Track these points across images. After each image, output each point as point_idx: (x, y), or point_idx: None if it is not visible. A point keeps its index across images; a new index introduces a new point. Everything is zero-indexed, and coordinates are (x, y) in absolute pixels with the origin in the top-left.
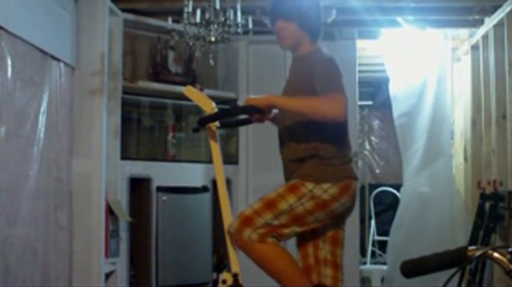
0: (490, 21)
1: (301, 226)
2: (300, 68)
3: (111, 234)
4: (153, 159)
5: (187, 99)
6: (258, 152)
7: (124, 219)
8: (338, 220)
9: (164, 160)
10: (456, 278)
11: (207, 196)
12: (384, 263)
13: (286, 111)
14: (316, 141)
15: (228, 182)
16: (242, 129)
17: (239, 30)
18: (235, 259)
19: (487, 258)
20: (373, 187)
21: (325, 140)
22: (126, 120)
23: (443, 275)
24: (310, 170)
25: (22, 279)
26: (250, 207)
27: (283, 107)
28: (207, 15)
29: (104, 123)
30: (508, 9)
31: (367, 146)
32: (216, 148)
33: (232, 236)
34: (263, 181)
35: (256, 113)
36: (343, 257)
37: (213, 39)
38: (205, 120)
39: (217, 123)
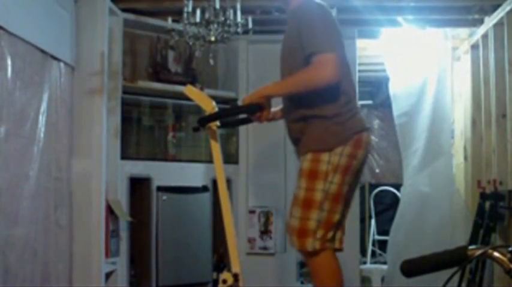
0: (490, 21)
1: (342, 200)
2: (291, 23)
3: (111, 234)
4: (153, 159)
5: (187, 98)
6: (258, 151)
7: (124, 219)
8: (356, 176)
9: (164, 159)
10: (456, 278)
11: (207, 196)
12: (384, 263)
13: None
14: (317, 100)
15: (228, 181)
16: (242, 129)
17: (239, 29)
18: (236, 259)
19: (487, 257)
20: (373, 186)
21: (326, 97)
22: (126, 120)
23: (443, 275)
24: (317, 134)
25: (22, 279)
26: (292, 217)
27: (276, 94)
28: (206, 15)
29: (104, 123)
30: (507, 9)
31: None
32: (216, 148)
33: (302, 255)
34: (263, 181)
35: (256, 111)
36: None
37: (212, 38)
38: (205, 120)
39: (217, 122)
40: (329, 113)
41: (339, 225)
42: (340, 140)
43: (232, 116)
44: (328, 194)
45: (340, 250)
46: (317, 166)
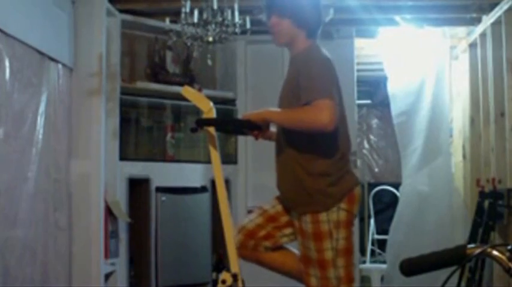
0: (488, 19)
1: (352, 253)
2: (294, 67)
3: (111, 235)
4: (152, 159)
5: (185, 99)
6: (257, 151)
7: (123, 220)
8: None
9: (163, 160)
10: (456, 277)
11: (206, 196)
12: (384, 262)
13: (280, 126)
14: (313, 153)
15: (227, 182)
16: None
17: (237, 30)
18: (235, 259)
19: (486, 256)
20: (372, 185)
21: (321, 152)
22: (124, 121)
23: (443, 274)
24: (314, 200)
25: (21, 280)
26: (313, 277)
27: (275, 120)
28: (204, 16)
29: (102, 124)
30: (505, 7)
31: (366, 145)
32: (214, 148)
33: None
34: (262, 181)
35: (254, 129)
36: None
37: (210, 39)
38: (203, 122)
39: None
40: (322, 170)
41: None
42: (335, 201)
43: (230, 126)
44: (338, 251)
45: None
46: (318, 227)
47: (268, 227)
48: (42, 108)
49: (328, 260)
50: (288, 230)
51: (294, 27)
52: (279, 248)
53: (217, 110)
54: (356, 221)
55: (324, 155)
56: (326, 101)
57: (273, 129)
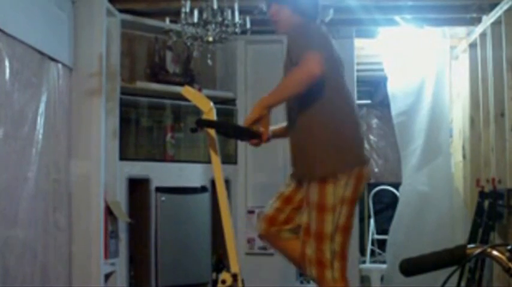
0: (488, 19)
1: (350, 232)
2: (288, 45)
3: (111, 235)
4: (152, 159)
5: (185, 99)
6: (257, 151)
7: (123, 220)
8: None
9: (163, 160)
10: (456, 277)
11: (206, 196)
12: (384, 262)
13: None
14: (320, 124)
15: (227, 182)
16: None
17: (237, 30)
18: (235, 259)
19: (486, 256)
20: (372, 185)
21: (329, 121)
22: (124, 121)
23: (442, 274)
24: (320, 162)
25: (21, 280)
26: (310, 247)
27: (275, 101)
28: (204, 15)
29: (102, 124)
30: (505, 7)
31: (366, 145)
32: (214, 149)
33: (319, 283)
34: (262, 181)
35: (253, 137)
36: None
37: (210, 39)
38: (203, 123)
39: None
40: (329, 137)
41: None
42: (343, 168)
43: (230, 131)
44: (337, 225)
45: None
46: (324, 199)
47: (286, 210)
48: (42, 108)
49: (326, 233)
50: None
51: (292, 16)
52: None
53: (217, 110)
54: (356, 221)
55: (332, 124)
56: (309, 54)
57: (272, 127)
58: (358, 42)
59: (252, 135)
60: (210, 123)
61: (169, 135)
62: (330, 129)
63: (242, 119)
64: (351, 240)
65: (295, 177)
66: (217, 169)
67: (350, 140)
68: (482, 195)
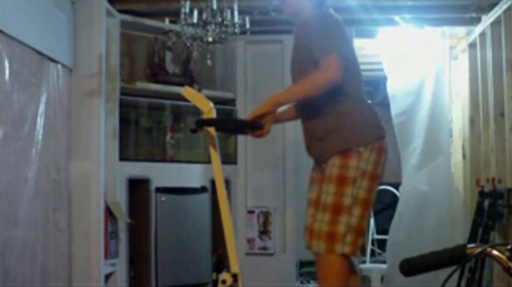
0: (487, 19)
1: (369, 206)
2: (302, 35)
3: (111, 235)
4: (152, 160)
5: (185, 99)
6: (257, 152)
7: (123, 220)
8: None
9: (163, 160)
10: (456, 276)
11: (206, 197)
12: (384, 262)
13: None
14: (335, 101)
15: (227, 182)
16: None
17: (236, 30)
18: (235, 259)
19: (486, 256)
20: None
21: (342, 100)
22: (124, 121)
23: (442, 274)
24: (342, 136)
25: (21, 281)
26: (321, 222)
27: (285, 101)
28: (204, 16)
29: (102, 124)
30: (504, 7)
31: None
32: (214, 149)
33: (325, 260)
34: (262, 181)
35: (256, 129)
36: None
37: (210, 39)
38: (203, 123)
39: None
40: (347, 109)
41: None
42: (365, 140)
43: (231, 126)
44: (357, 199)
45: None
46: (345, 171)
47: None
48: (41, 109)
49: (345, 206)
50: None
51: None
52: None
53: (217, 111)
54: None
55: (350, 101)
56: (329, 57)
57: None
58: (357, 42)
59: (253, 127)
60: (209, 122)
61: (169, 135)
62: (349, 106)
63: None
64: (367, 216)
65: (315, 157)
66: (217, 169)
67: (368, 115)
68: (482, 195)
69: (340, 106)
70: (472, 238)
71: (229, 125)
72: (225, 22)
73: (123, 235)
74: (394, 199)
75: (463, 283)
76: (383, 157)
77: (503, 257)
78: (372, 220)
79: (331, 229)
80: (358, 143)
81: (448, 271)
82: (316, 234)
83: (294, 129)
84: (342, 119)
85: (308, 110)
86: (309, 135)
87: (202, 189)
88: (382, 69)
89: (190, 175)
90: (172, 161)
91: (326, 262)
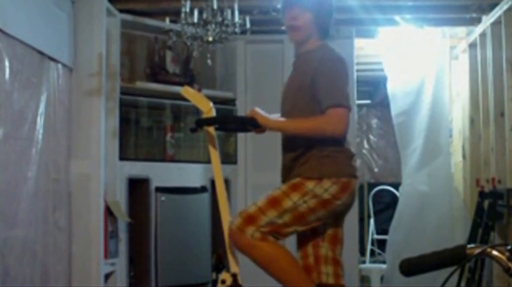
0: (488, 19)
1: (303, 225)
2: (303, 65)
3: (110, 235)
4: (152, 159)
5: (185, 99)
6: (257, 151)
7: (123, 220)
8: (338, 217)
9: (163, 160)
10: (456, 277)
11: (205, 196)
12: (383, 262)
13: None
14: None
15: (227, 182)
16: None
17: (237, 30)
18: (234, 259)
19: (486, 256)
20: (372, 185)
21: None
22: (124, 120)
23: (442, 274)
24: (310, 165)
25: (21, 280)
26: (254, 205)
27: (282, 131)
28: (204, 15)
29: (102, 124)
30: (505, 7)
31: (366, 145)
32: (214, 149)
33: (232, 235)
34: (262, 181)
35: (257, 126)
36: (343, 255)
37: (210, 39)
38: (203, 122)
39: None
40: (324, 147)
41: (312, 252)
42: (328, 174)
43: (232, 124)
44: (295, 209)
45: (335, 285)
46: (301, 185)
47: (309, 253)
48: (41, 108)
49: (281, 205)
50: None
51: (312, 23)
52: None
53: (217, 110)
54: (356, 221)
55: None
56: (342, 111)
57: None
58: (358, 42)
59: (255, 124)
60: (209, 121)
61: (169, 135)
62: (324, 141)
63: None
64: (297, 229)
65: (283, 180)
66: (217, 168)
67: (343, 154)
68: (482, 195)
69: (317, 143)
70: (471, 238)
71: (230, 122)
72: (225, 22)
73: (123, 235)
74: (394, 199)
75: (462, 283)
76: (345, 194)
77: (503, 257)
78: (371, 220)
79: (256, 214)
80: (321, 174)
81: (447, 271)
82: (241, 211)
83: None
84: (314, 152)
85: (289, 140)
86: (283, 162)
87: (202, 189)
88: (382, 69)
89: (190, 174)
90: (172, 160)
91: (261, 251)
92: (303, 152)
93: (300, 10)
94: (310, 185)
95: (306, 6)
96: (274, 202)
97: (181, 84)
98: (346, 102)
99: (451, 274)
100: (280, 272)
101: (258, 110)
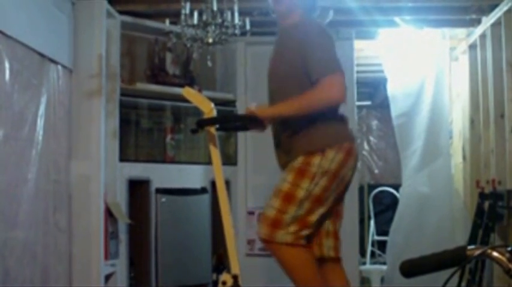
0: (488, 21)
1: (323, 204)
2: (289, 41)
3: (111, 236)
4: (152, 161)
5: (185, 100)
6: (257, 152)
7: (123, 221)
8: (341, 192)
9: (163, 161)
10: (456, 278)
11: (206, 198)
12: (384, 263)
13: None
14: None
15: (227, 183)
16: None
17: (237, 31)
18: (235, 260)
19: (486, 257)
20: (372, 187)
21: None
22: (124, 122)
23: (443, 275)
24: (309, 138)
25: (21, 281)
26: (270, 207)
27: (280, 117)
28: (204, 17)
29: (102, 125)
30: (505, 8)
31: (366, 147)
32: (215, 150)
33: (266, 244)
34: (262, 182)
35: (256, 123)
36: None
37: (210, 40)
38: (204, 123)
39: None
40: (323, 116)
41: (320, 227)
42: (331, 142)
43: (232, 123)
44: (310, 194)
45: (335, 258)
46: (307, 167)
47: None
48: (41, 109)
49: (296, 197)
50: None
51: None
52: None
53: (217, 112)
54: (356, 222)
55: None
56: (335, 77)
57: None
58: (358, 44)
59: (255, 120)
60: (210, 121)
61: (169, 136)
62: (319, 113)
63: None
64: (321, 213)
65: (283, 166)
66: (218, 169)
67: (337, 119)
68: (483, 196)
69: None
70: (472, 240)
71: (230, 121)
72: (225, 23)
73: (123, 236)
74: (394, 201)
75: (463, 284)
76: (351, 159)
77: (503, 258)
78: (372, 222)
79: (277, 216)
80: (323, 144)
81: (448, 272)
82: (263, 219)
83: None
84: (309, 123)
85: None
86: (278, 142)
87: (203, 190)
88: (382, 71)
89: (191, 175)
90: (172, 162)
91: (287, 255)
92: (299, 127)
93: None
94: (315, 161)
95: None
96: (288, 198)
97: (181, 85)
98: (337, 68)
99: (452, 275)
100: (302, 280)
101: (252, 106)
